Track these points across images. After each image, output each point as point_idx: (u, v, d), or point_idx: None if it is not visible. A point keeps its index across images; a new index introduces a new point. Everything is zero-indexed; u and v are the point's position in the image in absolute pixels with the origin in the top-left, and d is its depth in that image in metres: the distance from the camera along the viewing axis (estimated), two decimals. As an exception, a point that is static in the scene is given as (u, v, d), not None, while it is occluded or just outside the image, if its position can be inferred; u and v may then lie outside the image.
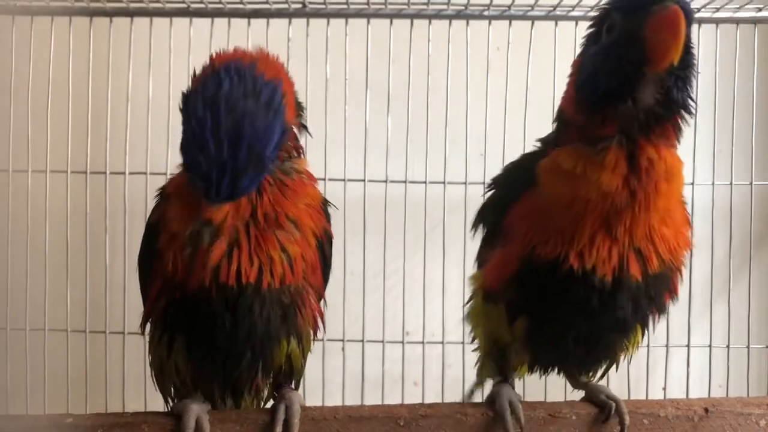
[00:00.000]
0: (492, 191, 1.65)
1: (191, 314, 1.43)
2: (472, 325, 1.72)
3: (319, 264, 1.55)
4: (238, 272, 1.38)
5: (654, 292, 1.48)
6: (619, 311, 1.45)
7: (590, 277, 1.41)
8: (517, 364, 1.65)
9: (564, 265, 1.41)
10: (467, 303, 1.72)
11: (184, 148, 1.28)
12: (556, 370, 1.69)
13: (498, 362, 1.65)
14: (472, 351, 1.87)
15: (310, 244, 1.48)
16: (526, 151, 1.64)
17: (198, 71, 1.33)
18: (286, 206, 1.42)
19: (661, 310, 1.54)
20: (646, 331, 1.60)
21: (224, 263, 1.37)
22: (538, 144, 1.60)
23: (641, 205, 1.38)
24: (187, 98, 1.29)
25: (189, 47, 2.14)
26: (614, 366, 1.66)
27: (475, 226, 1.70)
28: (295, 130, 1.48)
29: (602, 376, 1.69)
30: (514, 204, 1.51)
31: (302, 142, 1.51)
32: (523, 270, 1.48)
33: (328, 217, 1.56)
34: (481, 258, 1.68)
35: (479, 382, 1.95)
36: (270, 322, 1.46)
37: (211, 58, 1.35)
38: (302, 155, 1.50)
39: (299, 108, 1.50)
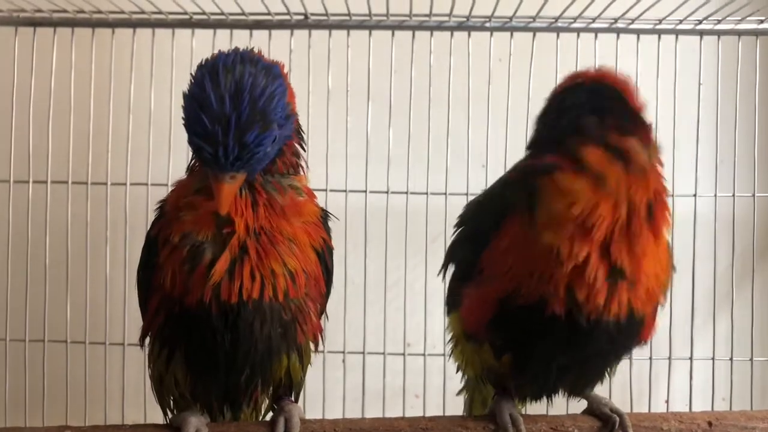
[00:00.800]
0: (461, 228, 1.62)
1: (190, 329, 1.43)
2: (460, 362, 1.69)
3: (322, 276, 1.54)
4: (239, 289, 1.37)
5: (643, 320, 1.46)
6: (608, 341, 1.42)
7: (579, 317, 1.38)
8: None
9: (549, 309, 1.38)
10: (449, 342, 1.70)
11: (187, 118, 1.28)
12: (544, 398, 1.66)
13: (494, 380, 1.62)
14: (457, 394, 1.87)
15: (309, 259, 1.47)
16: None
17: None
18: (283, 225, 1.41)
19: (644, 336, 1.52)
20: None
21: (225, 280, 1.37)
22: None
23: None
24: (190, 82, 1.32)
25: (191, 58, 2.14)
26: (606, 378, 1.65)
27: (444, 267, 1.67)
28: (295, 144, 1.48)
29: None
30: (494, 238, 1.46)
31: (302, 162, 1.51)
32: (503, 312, 1.44)
33: (327, 228, 1.56)
34: (453, 299, 1.63)
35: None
36: (271, 339, 1.45)
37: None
38: (302, 172, 1.49)
39: (299, 127, 1.49)
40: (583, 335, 1.39)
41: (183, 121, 1.30)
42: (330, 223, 1.58)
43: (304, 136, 1.52)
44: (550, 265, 1.36)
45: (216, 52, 1.35)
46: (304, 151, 1.51)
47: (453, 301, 1.64)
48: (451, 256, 1.66)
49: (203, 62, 1.32)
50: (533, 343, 1.45)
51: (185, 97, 1.30)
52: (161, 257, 1.44)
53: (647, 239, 1.37)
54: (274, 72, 1.33)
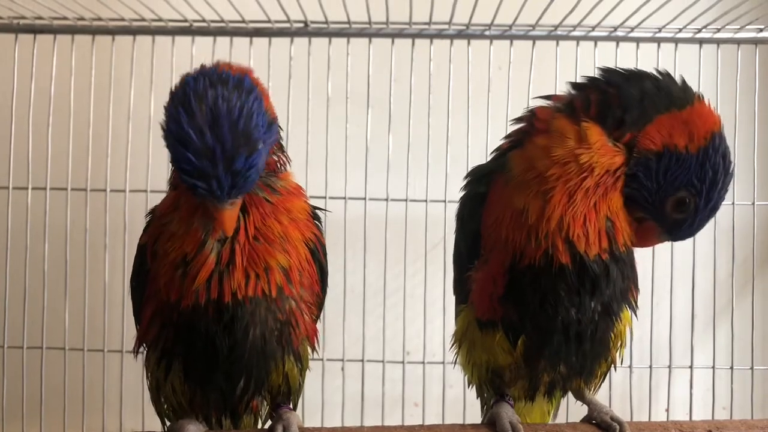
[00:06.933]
0: (456, 226, 1.65)
1: (187, 336, 1.42)
2: (465, 366, 1.67)
3: (316, 274, 1.53)
4: (233, 287, 1.36)
5: (630, 263, 1.50)
6: (611, 285, 1.45)
7: (584, 260, 1.41)
8: (512, 380, 1.62)
9: (556, 258, 1.41)
10: (454, 346, 1.68)
11: (172, 156, 1.26)
12: (554, 387, 1.64)
13: (496, 384, 1.62)
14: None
15: (301, 254, 1.46)
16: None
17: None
18: (274, 224, 1.40)
19: (635, 282, 1.56)
20: (634, 315, 1.58)
21: (217, 279, 1.36)
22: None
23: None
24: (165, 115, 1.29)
25: (191, 66, 2.13)
26: (612, 367, 1.64)
27: (456, 269, 1.68)
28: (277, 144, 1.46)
29: (602, 382, 1.66)
30: (488, 202, 1.51)
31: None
32: (514, 279, 1.46)
33: (318, 225, 1.54)
34: (461, 291, 1.64)
35: None
36: (266, 341, 1.44)
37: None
38: (286, 168, 1.48)
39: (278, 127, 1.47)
40: (596, 271, 1.42)
41: (169, 157, 1.27)
42: (328, 229, 1.57)
43: (282, 134, 1.49)
44: (542, 223, 1.40)
45: (184, 75, 1.32)
46: (283, 152, 1.50)
47: (461, 293, 1.64)
48: (456, 250, 1.67)
49: (173, 94, 1.29)
50: (549, 303, 1.45)
51: (164, 134, 1.27)
52: (153, 265, 1.43)
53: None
54: (246, 85, 1.28)
